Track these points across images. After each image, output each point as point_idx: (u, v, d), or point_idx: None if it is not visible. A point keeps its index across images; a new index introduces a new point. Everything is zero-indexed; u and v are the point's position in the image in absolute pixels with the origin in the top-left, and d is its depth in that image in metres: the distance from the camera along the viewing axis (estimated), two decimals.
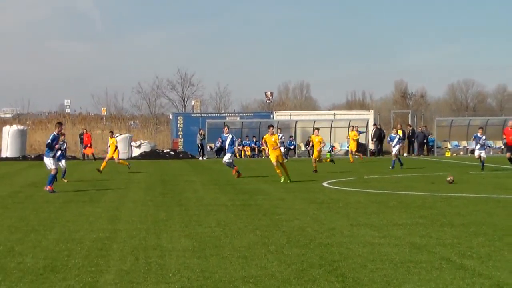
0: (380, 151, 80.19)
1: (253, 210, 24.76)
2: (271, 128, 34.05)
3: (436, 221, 21.29)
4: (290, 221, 21.73)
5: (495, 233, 18.60)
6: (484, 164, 44.95)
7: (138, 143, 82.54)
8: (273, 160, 33.84)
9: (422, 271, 13.57)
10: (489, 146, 52.40)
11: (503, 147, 60.64)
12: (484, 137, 44.72)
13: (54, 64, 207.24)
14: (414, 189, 34.48)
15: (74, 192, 34.49)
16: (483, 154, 46.06)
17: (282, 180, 35.29)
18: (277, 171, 33.98)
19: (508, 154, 44.94)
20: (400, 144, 51.07)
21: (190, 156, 79.51)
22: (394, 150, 51.09)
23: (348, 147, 70.99)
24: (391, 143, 52.23)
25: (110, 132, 53.53)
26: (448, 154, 79.88)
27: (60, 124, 31.98)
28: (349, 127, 76.38)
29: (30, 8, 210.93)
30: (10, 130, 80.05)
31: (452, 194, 31.25)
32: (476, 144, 47.72)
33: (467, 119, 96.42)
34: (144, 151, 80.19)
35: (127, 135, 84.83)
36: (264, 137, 35.70)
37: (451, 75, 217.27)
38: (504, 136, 48.30)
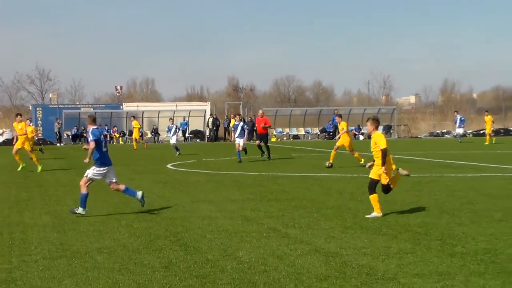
0: (216, 137, 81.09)
1: (105, 190, 24.59)
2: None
3: (264, 197, 21.70)
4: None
5: (313, 206, 19.15)
6: None
7: (0, 131, 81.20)
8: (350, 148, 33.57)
9: (253, 239, 13.93)
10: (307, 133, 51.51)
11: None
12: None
13: None
14: (245, 169, 34.99)
15: None
16: None
17: None
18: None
19: (257, 142, 42.21)
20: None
21: (48, 143, 78.05)
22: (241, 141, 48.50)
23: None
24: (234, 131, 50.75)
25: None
26: (274, 139, 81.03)
27: None
28: (189, 117, 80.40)
29: None
30: None
31: (278, 173, 31.86)
32: None
33: (289, 110, 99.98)
34: (6, 139, 78.14)
35: None
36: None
37: (276, 72, 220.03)
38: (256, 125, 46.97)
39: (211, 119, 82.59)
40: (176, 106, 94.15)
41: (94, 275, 10.81)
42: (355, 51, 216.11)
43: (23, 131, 34.67)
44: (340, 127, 34.91)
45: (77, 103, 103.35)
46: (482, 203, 19.06)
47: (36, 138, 48.90)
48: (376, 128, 17.07)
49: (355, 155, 34.04)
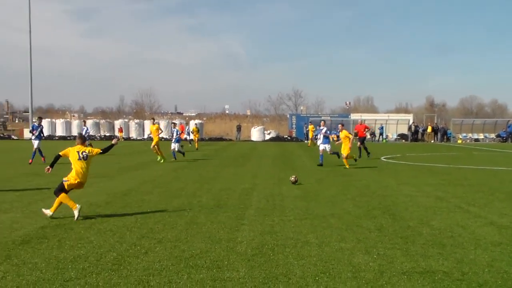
0: (416, 139, 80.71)
1: (336, 173, 25.34)
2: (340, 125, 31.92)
3: (451, 183, 21.67)
4: (359, 181, 22.32)
5: (489, 191, 19.09)
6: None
7: (268, 131, 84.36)
8: (344, 153, 28.72)
9: (443, 213, 14.29)
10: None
11: None
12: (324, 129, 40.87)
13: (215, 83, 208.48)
14: (437, 162, 34.56)
15: (229, 161, 35.40)
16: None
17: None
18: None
19: (358, 144, 38.59)
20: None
21: (299, 140, 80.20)
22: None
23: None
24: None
25: (152, 119, 46.97)
26: (460, 141, 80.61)
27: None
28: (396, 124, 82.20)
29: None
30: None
31: (462, 166, 31.28)
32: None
33: (472, 120, 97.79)
34: (272, 137, 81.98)
35: (261, 127, 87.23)
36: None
37: (461, 92, 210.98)
38: None
39: (412, 126, 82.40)
40: (388, 116, 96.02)
41: (328, 232, 11.65)
42: None
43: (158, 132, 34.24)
44: None
45: (319, 113, 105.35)
46: None
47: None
48: None
49: None
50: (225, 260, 9.22)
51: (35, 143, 31.77)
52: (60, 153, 13.29)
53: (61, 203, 12.95)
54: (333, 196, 17.61)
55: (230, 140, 79.11)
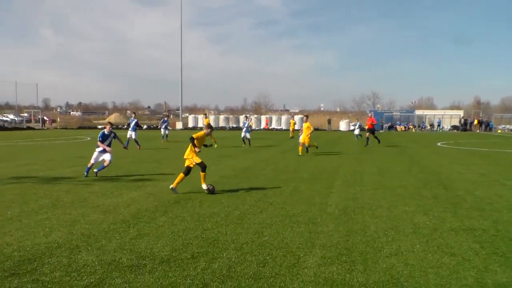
0: (465, 129, 79.43)
1: (402, 154, 24.99)
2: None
3: (492, 162, 20.79)
4: (420, 161, 21.83)
5: None
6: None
7: (353, 123, 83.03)
8: (304, 141, 24.99)
9: (484, 186, 13.89)
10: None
11: None
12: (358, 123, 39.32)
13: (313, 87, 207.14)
14: (481, 146, 33.29)
15: (322, 146, 35.24)
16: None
17: None
18: None
19: (367, 134, 34.19)
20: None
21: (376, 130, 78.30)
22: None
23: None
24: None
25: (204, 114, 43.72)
26: (500, 131, 77.83)
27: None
28: (450, 118, 75.93)
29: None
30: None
31: (501, 150, 30.15)
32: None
33: (509, 114, 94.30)
34: (354, 128, 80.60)
35: (347, 120, 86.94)
36: None
37: (506, 92, 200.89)
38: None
39: (462, 120, 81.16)
40: (444, 112, 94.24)
41: (395, 199, 11.68)
42: None
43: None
44: None
45: (391, 110, 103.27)
46: None
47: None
48: None
49: None
50: (318, 218, 9.40)
51: (132, 134, 29.44)
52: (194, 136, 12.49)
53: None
54: (400, 172, 17.42)
55: (324, 130, 78.79)
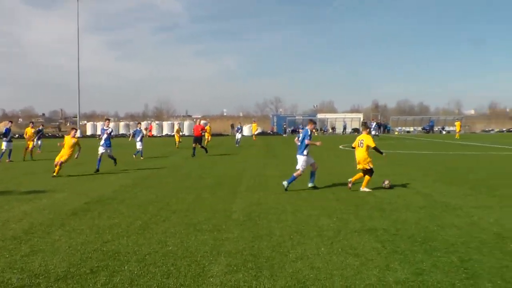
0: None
1: None
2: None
3: (391, 163, 21.53)
4: (323, 163, 22.23)
5: (418, 168, 19.05)
6: None
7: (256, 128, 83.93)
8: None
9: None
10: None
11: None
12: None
13: (216, 93, 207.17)
14: (381, 148, 34.50)
15: (227, 150, 35.10)
16: None
17: None
18: None
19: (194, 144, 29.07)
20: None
21: (279, 134, 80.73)
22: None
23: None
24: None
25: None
26: (396, 133, 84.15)
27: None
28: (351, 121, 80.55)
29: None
30: None
31: (399, 151, 31.07)
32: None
33: (405, 117, 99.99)
34: (258, 132, 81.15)
35: (250, 125, 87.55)
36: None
37: (402, 95, 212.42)
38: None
39: (360, 122, 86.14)
40: (345, 115, 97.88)
41: (300, 202, 11.83)
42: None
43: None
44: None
45: (294, 114, 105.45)
46: None
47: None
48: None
49: None
50: (223, 225, 9.32)
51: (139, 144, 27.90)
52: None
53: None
54: (303, 175, 17.38)
55: (227, 135, 79.14)
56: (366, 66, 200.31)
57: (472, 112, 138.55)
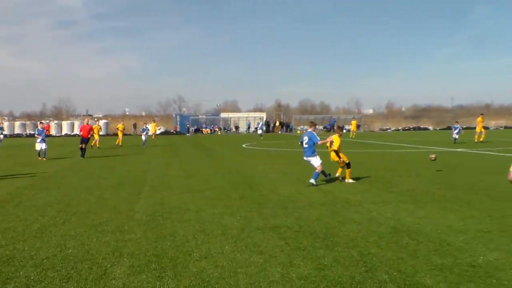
0: (268, 131, 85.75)
1: (211, 157, 25.40)
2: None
3: (294, 162, 21.85)
4: (227, 162, 22.36)
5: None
6: None
7: (159, 127, 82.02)
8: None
9: (287, 184, 14.69)
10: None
11: None
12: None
13: (118, 91, 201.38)
14: (284, 147, 35.03)
15: (129, 150, 34.52)
16: None
17: None
18: None
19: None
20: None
21: (182, 133, 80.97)
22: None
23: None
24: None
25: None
26: (299, 131, 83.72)
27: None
28: (254, 120, 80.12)
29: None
30: None
31: (301, 150, 31.85)
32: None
33: (307, 116, 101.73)
34: (161, 131, 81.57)
35: (152, 123, 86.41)
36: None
37: (303, 95, 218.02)
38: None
39: (265, 121, 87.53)
40: (248, 114, 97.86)
41: (203, 201, 11.78)
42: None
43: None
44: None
45: (197, 113, 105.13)
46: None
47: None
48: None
49: None
50: (125, 225, 9.11)
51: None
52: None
53: None
54: (207, 174, 17.72)
55: (130, 134, 77.52)
56: (269, 66, 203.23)
57: (371, 111, 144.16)
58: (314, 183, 14.47)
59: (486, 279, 5.98)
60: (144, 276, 6.24)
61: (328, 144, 15.56)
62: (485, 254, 6.99)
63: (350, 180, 15.15)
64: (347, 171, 15.26)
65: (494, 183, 14.34)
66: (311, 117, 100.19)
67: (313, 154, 14.96)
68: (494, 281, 5.90)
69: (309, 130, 15.45)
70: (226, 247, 7.54)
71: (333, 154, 15.56)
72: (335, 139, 15.36)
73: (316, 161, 14.95)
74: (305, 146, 15.03)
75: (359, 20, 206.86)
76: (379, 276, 6.13)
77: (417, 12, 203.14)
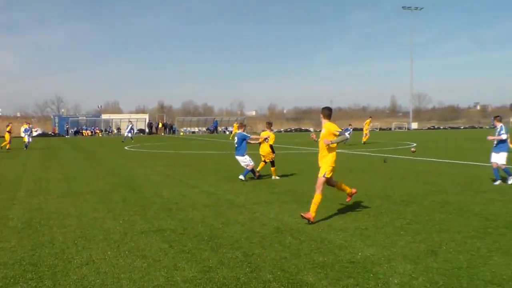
0: (151, 133, 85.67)
1: (92, 159, 24.66)
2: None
3: (177, 164, 21.89)
4: (109, 164, 21.84)
5: (202, 169, 19.65)
6: None
7: (36, 129, 78.46)
8: None
9: (170, 186, 14.52)
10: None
11: None
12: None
13: None
14: (167, 149, 34.70)
15: (3, 154, 32.66)
16: None
17: None
18: None
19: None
20: None
21: (61, 135, 76.83)
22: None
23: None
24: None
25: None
26: (182, 133, 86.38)
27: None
28: (137, 122, 77.85)
29: None
30: None
31: (184, 151, 31.63)
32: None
33: (190, 118, 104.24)
34: (39, 133, 77.65)
35: (29, 125, 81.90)
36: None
37: (187, 97, 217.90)
38: None
39: (148, 123, 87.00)
40: (130, 116, 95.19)
41: (84, 205, 11.39)
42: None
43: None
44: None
45: (77, 114, 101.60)
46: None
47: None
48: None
49: None
50: None
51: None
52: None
53: None
54: (88, 177, 17.24)
55: (2, 136, 73.08)
56: (152, 66, 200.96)
57: (254, 113, 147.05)
58: (243, 178, 15.45)
59: (364, 274, 6.24)
60: (19, 287, 5.89)
61: (261, 140, 16.34)
62: (363, 250, 7.31)
63: (277, 177, 16.24)
64: (272, 169, 16.34)
65: (369, 182, 15.11)
66: (194, 119, 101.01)
67: (244, 153, 15.88)
68: (371, 275, 6.18)
69: (239, 131, 16.22)
70: (109, 252, 7.31)
71: (267, 149, 16.26)
72: (271, 135, 16.28)
73: (246, 160, 15.84)
74: (236, 145, 16.01)
75: (243, 21, 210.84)
76: (264, 276, 6.22)
77: (298, 15, 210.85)
